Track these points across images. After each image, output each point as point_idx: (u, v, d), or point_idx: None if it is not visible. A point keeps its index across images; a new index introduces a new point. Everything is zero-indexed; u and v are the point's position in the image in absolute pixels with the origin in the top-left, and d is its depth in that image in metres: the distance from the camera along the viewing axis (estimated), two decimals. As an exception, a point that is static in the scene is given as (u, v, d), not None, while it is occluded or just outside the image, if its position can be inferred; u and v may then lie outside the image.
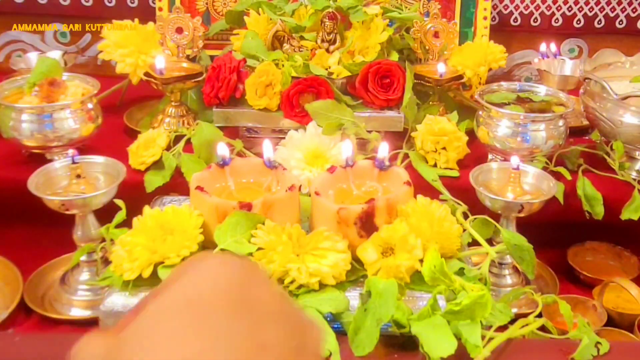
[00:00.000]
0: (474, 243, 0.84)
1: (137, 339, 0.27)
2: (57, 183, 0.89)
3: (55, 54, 1.26)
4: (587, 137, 1.21)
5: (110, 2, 1.40)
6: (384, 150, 0.82)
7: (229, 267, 0.30)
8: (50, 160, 0.98)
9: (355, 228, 0.74)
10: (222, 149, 0.82)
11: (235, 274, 0.30)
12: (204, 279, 0.29)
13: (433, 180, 1.02)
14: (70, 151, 0.89)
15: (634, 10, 1.41)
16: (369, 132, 1.05)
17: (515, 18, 1.42)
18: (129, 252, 0.71)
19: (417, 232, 0.73)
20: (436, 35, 1.18)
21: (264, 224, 0.73)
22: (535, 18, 1.42)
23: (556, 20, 1.42)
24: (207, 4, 1.33)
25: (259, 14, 1.16)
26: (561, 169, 1.04)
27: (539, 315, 0.76)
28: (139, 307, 0.29)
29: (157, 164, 1.02)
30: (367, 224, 0.74)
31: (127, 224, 0.78)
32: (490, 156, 1.08)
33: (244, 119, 1.09)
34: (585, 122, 1.19)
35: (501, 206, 0.91)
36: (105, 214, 0.86)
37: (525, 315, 0.75)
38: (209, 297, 0.28)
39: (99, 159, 0.92)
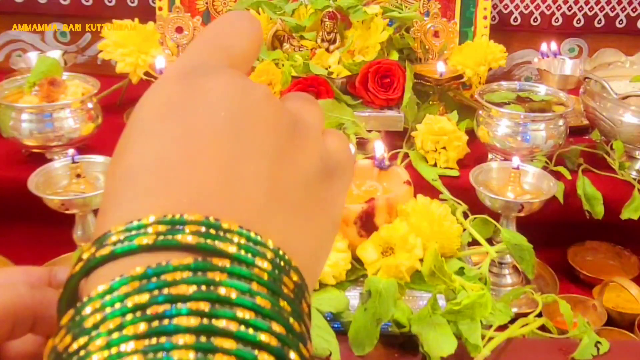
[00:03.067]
0: (474, 242, 0.84)
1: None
2: (57, 183, 0.89)
3: (55, 54, 1.26)
4: (587, 137, 1.20)
5: (110, 2, 1.40)
6: (379, 148, 0.82)
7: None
8: (50, 160, 0.98)
9: (355, 227, 0.74)
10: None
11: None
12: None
13: (433, 179, 1.02)
14: (70, 151, 0.89)
15: (634, 9, 1.41)
16: (369, 131, 1.05)
17: (515, 18, 1.42)
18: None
19: (417, 231, 0.73)
20: (436, 34, 1.18)
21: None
22: (535, 18, 1.42)
23: (556, 20, 1.42)
24: (207, 3, 1.33)
25: (259, 14, 1.16)
26: (561, 169, 1.04)
27: (539, 315, 0.76)
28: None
29: (157, 164, 1.02)
30: (367, 224, 0.74)
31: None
32: (490, 156, 1.08)
33: (244, 118, 1.09)
34: (585, 122, 1.19)
35: (501, 206, 0.91)
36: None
37: (525, 315, 0.75)
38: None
39: (99, 158, 0.92)
